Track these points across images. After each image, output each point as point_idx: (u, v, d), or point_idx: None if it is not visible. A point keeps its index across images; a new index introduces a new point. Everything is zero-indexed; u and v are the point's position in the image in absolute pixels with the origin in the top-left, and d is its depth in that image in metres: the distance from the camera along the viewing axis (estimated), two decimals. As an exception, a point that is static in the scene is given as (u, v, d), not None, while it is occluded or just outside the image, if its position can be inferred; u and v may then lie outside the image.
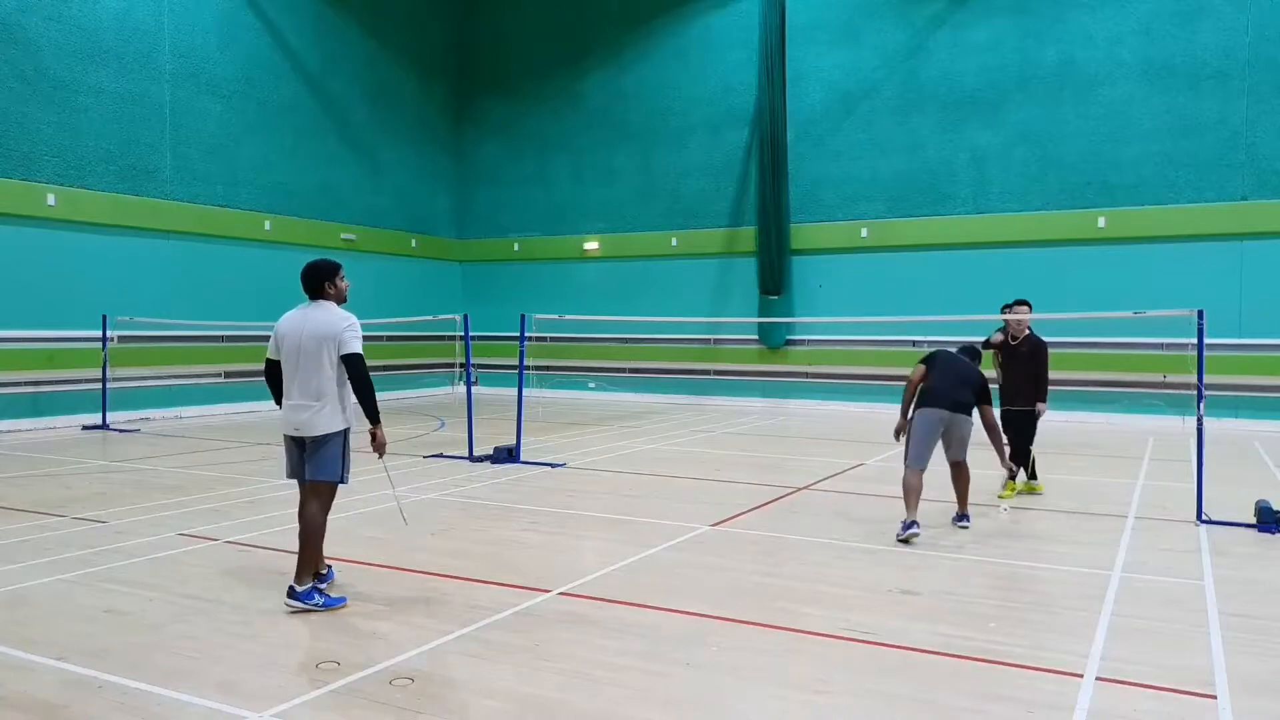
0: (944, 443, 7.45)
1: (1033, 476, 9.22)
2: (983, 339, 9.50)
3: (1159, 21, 15.85)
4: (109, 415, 14.58)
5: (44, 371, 14.38)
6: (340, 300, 5.53)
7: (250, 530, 7.26)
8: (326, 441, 5.32)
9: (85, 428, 14.40)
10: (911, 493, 7.19)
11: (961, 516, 7.63)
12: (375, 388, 5.38)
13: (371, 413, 5.34)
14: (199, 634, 4.85)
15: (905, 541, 6.93)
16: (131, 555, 6.47)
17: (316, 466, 5.34)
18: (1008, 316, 9.32)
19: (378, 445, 5.41)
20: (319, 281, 5.44)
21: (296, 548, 5.36)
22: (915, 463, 7.27)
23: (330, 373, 5.28)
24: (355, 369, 5.28)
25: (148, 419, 15.56)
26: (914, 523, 7.04)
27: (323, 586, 5.46)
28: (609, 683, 4.22)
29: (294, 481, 5.54)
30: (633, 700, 4.03)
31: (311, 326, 5.31)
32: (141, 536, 7.02)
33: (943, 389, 7.39)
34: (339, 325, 5.29)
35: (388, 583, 5.83)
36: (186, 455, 11.65)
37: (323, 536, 5.42)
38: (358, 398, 5.34)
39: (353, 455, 5.51)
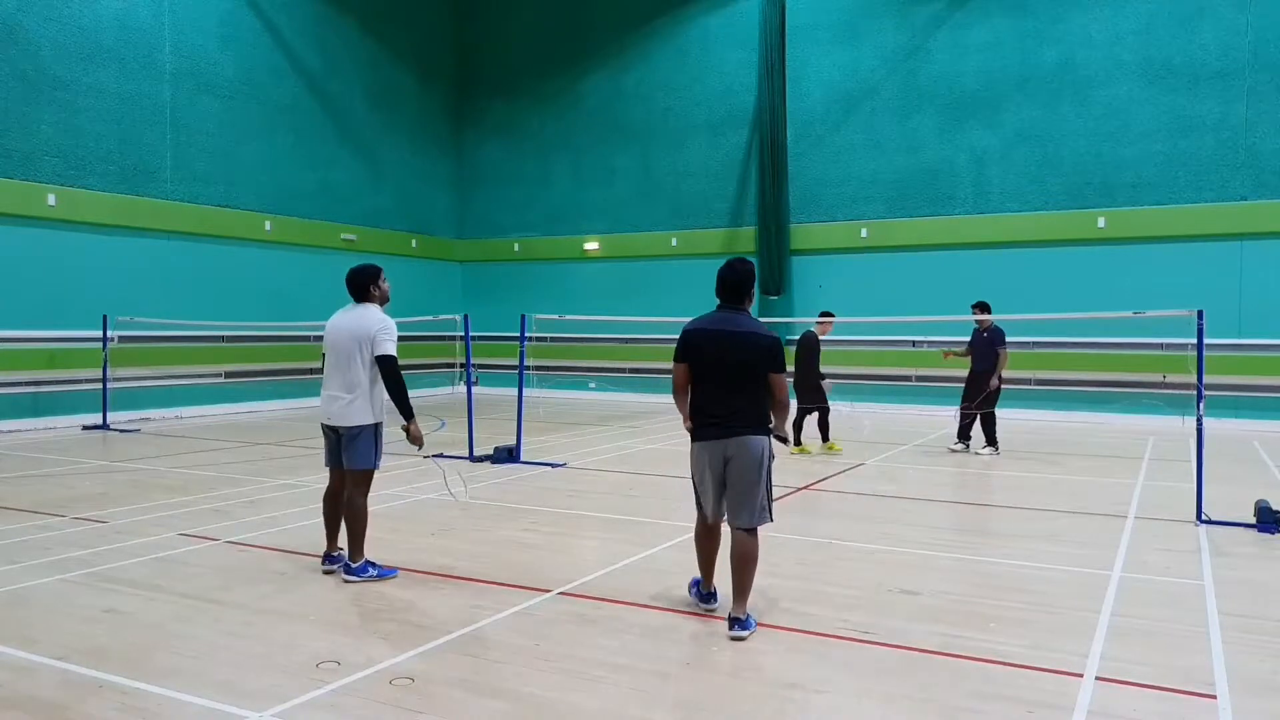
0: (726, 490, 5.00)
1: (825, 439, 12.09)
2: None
3: (1159, 21, 15.85)
4: (109, 415, 14.58)
5: (44, 371, 14.38)
6: (383, 302, 5.97)
7: (251, 530, 7.25)
8: (359, 434, 5.77)
9: (85, 428, 14.40)
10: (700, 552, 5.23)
11: (736, 622, 4.79)
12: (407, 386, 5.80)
13: (405, 410, 5.79)
14: (199, 634, 4.85)
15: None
16: (132, 555, 6.47)
17: (351, 457, 5.80)
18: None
19: (412, 439, 5.85)
20: (363, 285, 5.89)
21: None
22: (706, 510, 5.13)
23: (361, 370, 5.72)
24: (386, 368, 5.71)
25: (148, 419, 15.56)
26: (712, 593, 5.22)
27: (374, 565, 5.89)
28: (609, 683, 4.22)
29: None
30: (633, 700, 4.03)
31: (351, 326, 5.78)
32: (142, 536, 7.02)
33: (709, 398, 5.16)
34: (374, 327, 5.72)
35: (388, 582, 5.83)
36: (187, 455, 11.65)
37: (366, 516, 5.87)
38: (390, 396, 5.77)
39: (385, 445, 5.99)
